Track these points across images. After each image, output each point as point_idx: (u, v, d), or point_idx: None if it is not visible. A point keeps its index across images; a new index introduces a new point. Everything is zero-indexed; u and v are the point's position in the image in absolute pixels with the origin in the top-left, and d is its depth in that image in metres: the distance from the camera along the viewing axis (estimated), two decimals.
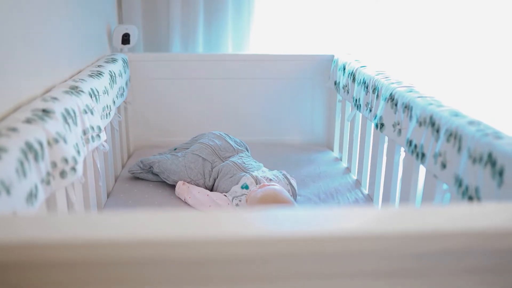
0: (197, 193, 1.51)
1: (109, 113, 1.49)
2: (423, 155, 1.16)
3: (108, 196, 1.58)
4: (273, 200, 1.31)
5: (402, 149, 1.35)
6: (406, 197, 1.31)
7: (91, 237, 0.54)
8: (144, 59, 2.03)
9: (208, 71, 2.05)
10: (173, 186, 1.62)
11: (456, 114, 1.07)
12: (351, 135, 1.83)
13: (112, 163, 1.66)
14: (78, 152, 1.11)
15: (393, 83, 1.41)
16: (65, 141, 1.02)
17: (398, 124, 1.31)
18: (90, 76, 1.42)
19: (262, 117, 2.13)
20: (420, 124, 1.18)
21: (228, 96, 2.10)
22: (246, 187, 1.47)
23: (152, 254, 0.56)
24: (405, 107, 1.27)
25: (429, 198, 1.17)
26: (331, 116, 2.11)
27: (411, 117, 1.24)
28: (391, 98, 1.36)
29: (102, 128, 1.32)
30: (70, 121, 1.10)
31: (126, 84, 1.85)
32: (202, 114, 2.11)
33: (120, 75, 1.72)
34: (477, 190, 0.92)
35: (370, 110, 1.54)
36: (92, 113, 1.26)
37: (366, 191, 1.66)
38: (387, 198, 1.45)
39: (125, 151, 1.94)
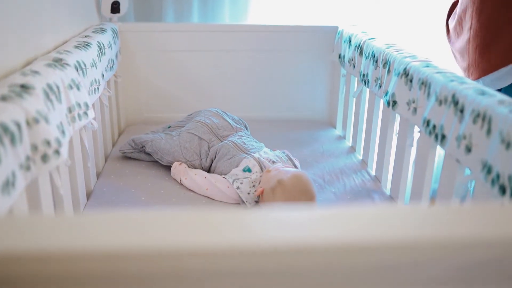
0: (194, 175, 1.41)
1: (98, 88, 1.37)
2: (443, 136, 1.05)
3: (98, 177, 1.48)
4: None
5: (417, 129, 1.24)
6: (420, 180, 1.21)
7: (63, 248, 0.44)
8: (135, 29, 1.89)
9: (204, 42, 1.92)
10: (167, 167, 1.51)
11: (483, 93, 0.97)
12: (356, 112, 1.73)
13: (102, 141, 1.55)
14: (63, 132, 1.00)
15: (406, 56, 1.30)
16: (47, 120, 0.90)
17: (414, 102, 1.20)
18: (77, 47, 1.29)
19: (261, 92, 2.01)
20: (440, 102, 1.07)
21: (224, 70, 1.98)
22: (248, 170, 1.36)
23: (142, 266, 0.46)
24: (422, 83, 1.16)
25: (447, 183, 1.07)
26: (334, 92, 2.00)
27: (429, 94, 1.13)
28: (405, 73, 1.25)
29: (90, 105, 1.20)
30: (53, 97, 0.99)
31: (116, 56, 1.72)
32: (197, 89, 1.99)
33: (110, 46, 1.59)
34: (510, 178, 0.82)
35: (380, 86, 1.43)
36: (78, 88, 1.14)
37: (373, 172, 1.56)
38: (398, 180, 1.36)
39: (116, 128, 1.82)
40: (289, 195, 1.19)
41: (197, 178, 1.39)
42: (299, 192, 1.19)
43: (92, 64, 1.33)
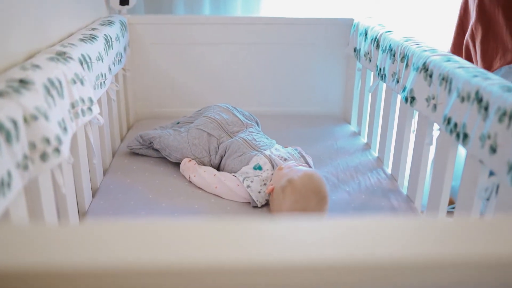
0: (203, 172, 1.36)
1: (104, 82, 1.33)
2: (465, 135, 0.99)
3: (105, 173, 1.44)
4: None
5: (436, 126, 1.18)
6: (439, 181, 1.15)
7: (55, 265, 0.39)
8: (145, 22, 1.84)
9: (215, 35, 1.87)
10: (175, 164, 1.47)
11: (509, 89, 0.90)
12: (372, 108, 1.66)
13: (109, 137, 1.51)
14: (65, 129, 0.96)
15: (426, 50, 1.23)
16: (46, 117, 0.86)
17: (433, 98, 1.14)
18: (82, 40, 1.25)
19: (274, 86, 1.96)
20: (462, 99, 1.01)
21: (237, 63, 1.92)
22: (259, 168, 1.31)
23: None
24: (443, 79, 1.10)
25: (469, 185, 1.01)
26: (349, 86, 1.94)
27: (450, 90, 1.07)
28: (425, 68, 1.19)
29: (95, 100, 1.16)
30: (54, 93, 0.94)
31: (125, 49, 1.67)
32: (208, 83, 1.94)
33: (118, 39, 1.55)
34: None
35: (398, 81, 1.36)
36: (82, 83, 1.09)
37: (389, 171, 1.50)
38: (415, 180, 1.29)
39: (124, 123, 1.78)
40: (299, 195, 1.14)
41: (206, 176, 1.35)
42: (310, 192, 1.14)
43: (98, 58, 1.28)
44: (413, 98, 1.24)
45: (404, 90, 1.30)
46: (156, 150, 1.51)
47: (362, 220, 0.47)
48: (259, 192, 1.27)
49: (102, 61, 1.32)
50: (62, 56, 1.07)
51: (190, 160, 1.42)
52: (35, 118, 0.83)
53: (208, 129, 1.44)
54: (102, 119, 1.27)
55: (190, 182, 1.38)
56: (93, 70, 1.22)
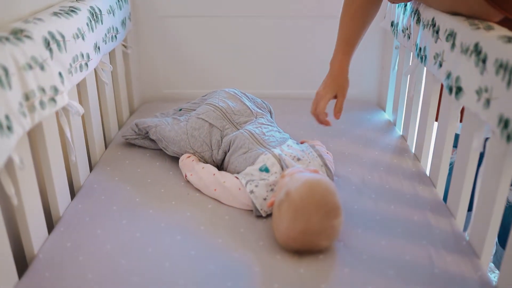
0: (201, 170, 1.16)
1: (87, 63, 1.13)
2: None
3: (93, 168, 1.26)
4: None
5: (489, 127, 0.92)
6: (489, 198, 0.89)
7: None
8: None
9: (229, 6, 1.64)
10: (174, 157, 1.27)
11: None
12: (410, 94, 1.40)
13: (99, 126, 1.32)
14: (9, 128, 0.77)
15: (479, 27, 0.96)
16: None
17: (486, 91, 0.88)
18: (55, 14, 1.04)
19: (295, 65, 1.71)
20: None
21: (255, 39, 1.69)
22: (266, 169, 1.09)
23: None
24: (500, 66, 0.83)
25: None
26: (386, 67, 1.67)
27: (510, 82, 0.80)
28: (477, 50, 0.92)
29: (63, 88, 0.96)
30: None
31: (123, 23, 1.46)
32: (223, 61, 1.72)
33: (111, 12, 1.34)
34: None
35: (441, 65, 1.10)
36: (42, 68, 0.90)
37: (427, 174, 1.24)
38: (458, 191, 1.04)
39: (126, 107, 1.58)
40: (298, 211, 0.90)
41: (204, 175, 1.14)
42: (310, 206, 0.90)
43: (77, 35, 1.08)
44: (459, 89, 0.97)
45: (448, 77, 1.03)
46: (154, 140, 1.31)
47: None
48: (265, 199, 1.05)
49: (83, 38, 1.12)
50: (16, 35, 0.87)
51: (189, 156, 1.21)
52: None
53: (210, 119, 1.23)
54: (81, 108, 1.07)
55: (188, 181, 1.18)
56: (66, 50, 1.02)
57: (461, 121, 1.14)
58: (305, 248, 0.93)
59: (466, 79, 0.95)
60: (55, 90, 0.92)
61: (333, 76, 1.26)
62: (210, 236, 0.99)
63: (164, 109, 1.47)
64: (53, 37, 0.97)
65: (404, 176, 1.22)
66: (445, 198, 1.14)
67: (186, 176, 1.18)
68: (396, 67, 1.57)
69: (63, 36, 1.01)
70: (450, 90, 1.01)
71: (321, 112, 1.23)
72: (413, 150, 1.36)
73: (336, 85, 1.25)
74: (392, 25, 1.50)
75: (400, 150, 1.36)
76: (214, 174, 1.14)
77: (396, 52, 1.56)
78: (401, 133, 1.47)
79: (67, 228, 1.00)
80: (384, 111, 1.65)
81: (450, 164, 1.21)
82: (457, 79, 0.98)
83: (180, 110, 1.38)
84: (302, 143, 1.24)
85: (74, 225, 1.01)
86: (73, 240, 0.96)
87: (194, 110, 1.32)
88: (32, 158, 0.92)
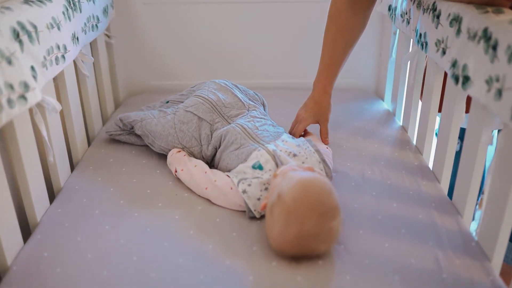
0: (193, 167, 1.08)
1: (63, 56, 1.05)
2: None
3: (75, 167, 1.18)
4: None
5: (500, 120, 0.85)
6: (501, 196, 0.83)
7: None
8: None
9: None
10: (162, 155, 1.19)
11: None
12: (410, 83, 1.32)
13: (81, 122, 1.23)
14: None
15: (487, 11, 0.88)
16: None
17: (497, 80, 0.80)
18: (26, 2, 0.96)
19: (287, 53, 1.63)
20: None
21: (245, 26, 1.60)
22: (259, 167, 1.01)
23: None
24: None
25: None
26: (384, 53, 1.59)
27: None
28: (486, 36, 0.84)
29: (34, 85, 0.88)
30: None
31: (105, 11, 1.37)
32: (213, 49, 1.64)
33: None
34: None
35: (444, 52, 1.02)
36: (10, 62, 0.81)
37: (430, 167, 1.17)
38: (465, 188, 0.97)
39: (110, 101, 1.50)
40: (291, 215, 0.82)
41: (195, 172, 1.07)
42: (304, 208, 0.82)
43: (51, 25, 1.00)
44: (466, 78, 0.90)
45: (453, 65, 0.96)
46: (140, 136, 1.23)
47: None
48: (259, 199, 0.98)
49: (59, 28, 1.03)
50: None
51: (179, 151, 1.14)
52: None
53: (199, 112, 1.15)
54: (58, 105, 0.99)
55: (176, 180, 1.11)
56: (39, 42, 0.93)
57: (467, 111, 1.07)
58: (302, 253, 0.86)
59: (474, 68, 0.88)
60: (26, 86, 0.84)
61: (315, 99, 1.24)
62: (200, 241, 0.91)
63: (152, 102, 1.39)
64: (23, 27, 0.88)
65: (406, 171, 1.15)
66: (449, 193, 1.07)
67: (176, 171, 1.10)
68: (394, 54, 1.49)
69: (35, 27, 0.92)
70: (457, 79, 0.93)
71: (297, 135, 1.22)
72: (414, 142, 1.29)
73: (318, 111, 1.23)
74: (389, 9, 1.42)
75: (401, 142, 1.29)
76: (206, 172, 1.06)
77: (394, 38, 1.48)
78: (401, 124, 1.40)
79: (44, 235, 0.92)
80: (383, 101, 1.58)
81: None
82: (464, 67, 0.91)
83: (167, 102, 1.30)
84: (305, 135, 1.18)
85: (53, 232, 0.93)
86: (51, 249, 0.88)
87: (182, 102, 1.24)
88: (4, 160, 0.84)
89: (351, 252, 0.88)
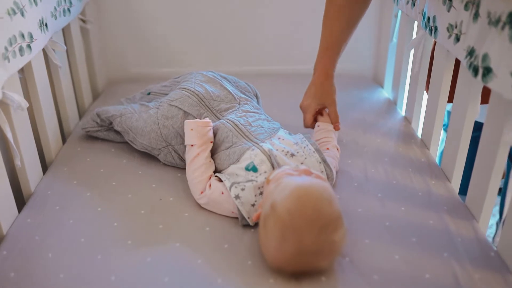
0: (193, 164, 0.96)
1: (29, 45, 0.92)
2: None
3: (47, 168, 1.06)
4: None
5: None
6: None
7: None
8: None
9: None
10: (145, 153, 1.08)
11: None
12: (414, 70, 1.22)
13: (54, 119, 1.12)
14: None
15: None
16: None
17: None
18: None
19: (283, 37, 1.52)
20: None
21: (234, 11, 1.48)
22: (253, 168, 0.91)
23: None
24: None
25: None
26: (384, 38, 1.48)
27: None
28: (511, 22, 0.74)
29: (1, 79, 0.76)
30: None
31: None
32: (198, 35, 1.52)
33: None
34: None
35: (458, 39, 0.91)
36: None
37: (439, 165, 1.08)
38: (482, 193, 0.88)
39: (87, 93, 1.37)
40: (287, 229, 0.72)
41: (191, 170, 0.95)
42: (301, 222, 0.71)
43: (13, 11, 0.87)
44: (488, 70, 0.80)
45: (470, 55, 0.85)
46: (119, 132, 1.12)
47: None
48: (253, 205, 0.88)
49: (23, 14, 0.90)
50: None
51: (207, 125, 0.97)
52: None
53: (185, 106, 1.03)
54: (24, 101, 0.88)
55: (162, 181, 1.00)
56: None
57: (482, 102, 0.97)
58: (302, 271, 0.76)
59: (497, 58, 0.77)
60: None
61: (317, 84, 1.12)
62: (188, 256, 0.81)
63: (133, 92, 1.28)
64: None
65: (413, 169, 1.05)
66: (460, 193, 0.98)
67: (192, 145, 0.95)
68: (396, 38, 1.38)
69: None
70: (475, 71, 0.83)
71: (308, 126, 1.11)
72: (419, 135, 1.19)
73: (321, 95, 1.11)
74: None
75: (405, 135, 1.19)
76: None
77: (395, 22, 1.37)
78: (403, 114, 1.30)
79: (10, 251, 0.81)
80: (382, 88, 1.48)
81: None
82: (485, 57, 0.80)
83: (149, 94, 1.18)
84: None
85: (20, 248, 0.82)
86: (18, 268, 0.77)
87: (166, 94, 1.12)
88: None
89: (358, 266, 0.79)
